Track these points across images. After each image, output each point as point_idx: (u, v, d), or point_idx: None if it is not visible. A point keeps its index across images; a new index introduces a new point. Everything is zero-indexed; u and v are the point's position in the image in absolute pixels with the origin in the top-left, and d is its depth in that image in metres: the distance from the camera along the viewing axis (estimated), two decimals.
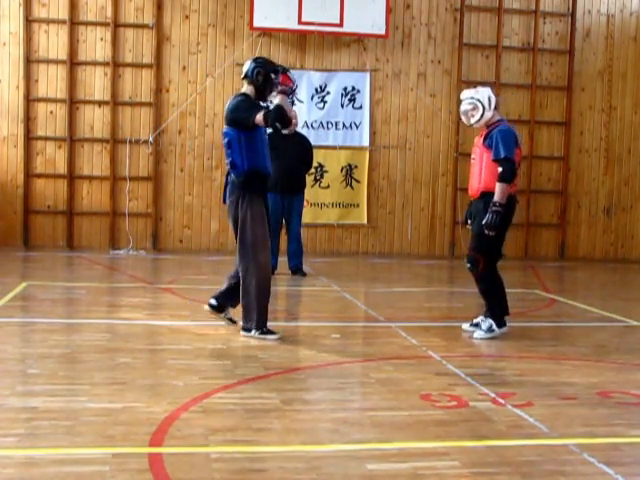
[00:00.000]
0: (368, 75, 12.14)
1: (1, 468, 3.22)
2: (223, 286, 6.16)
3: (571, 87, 12.74)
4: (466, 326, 6.41)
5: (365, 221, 12.26)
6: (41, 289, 7.93)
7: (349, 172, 12.15)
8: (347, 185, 12.20)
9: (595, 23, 12.82)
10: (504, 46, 12.53)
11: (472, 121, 6.23)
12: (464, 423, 4.02)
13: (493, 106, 6.18)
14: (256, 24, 11.67)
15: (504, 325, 6.25)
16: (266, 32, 11.85)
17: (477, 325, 6.34)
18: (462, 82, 12.38)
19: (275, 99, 5.77)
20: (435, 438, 3.78)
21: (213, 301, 6.16)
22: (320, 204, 11.86)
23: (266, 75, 5.82)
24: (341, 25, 11.74)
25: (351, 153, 11.96)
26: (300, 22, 11.66)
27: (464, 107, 6.24)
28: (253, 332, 5.85)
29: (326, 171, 11.94)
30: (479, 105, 6.15)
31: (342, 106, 11.91)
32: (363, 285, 8.88)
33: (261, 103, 5.88)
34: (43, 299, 7.39)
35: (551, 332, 6.81)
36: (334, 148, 11.91)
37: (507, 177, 6.00)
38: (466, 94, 6.30)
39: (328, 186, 12.03)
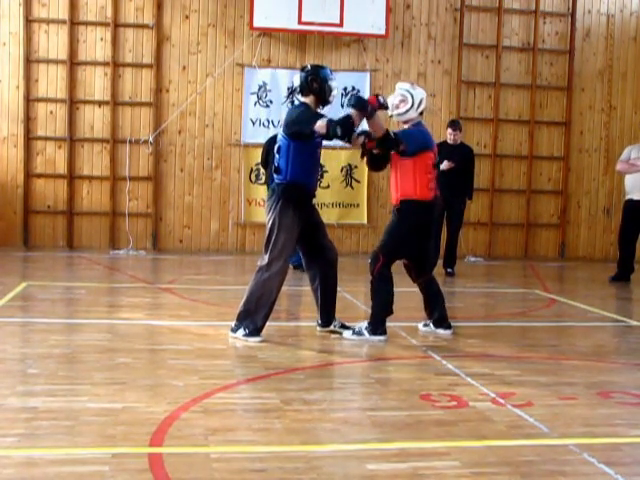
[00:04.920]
0: (368, 75, 12.15)
1: (1, 468, 3.22)
2: (316, 303, 6.15)
3: (571, 87, 12.74)
4: (420, 326, 6.40)
5: (365, 221, 12.26)
6: (41, 289, 7.93)
7: (349, 172, 12.16)
8: (347, 185, 12.21)
9: (595, 23, 12.82)
10: (504, 46, 12.53)
11: (396, 112, 6.07)
12: (464, 423, 4.02)
13: (419, 110, 6.06)
14: (256, 24, 11.67)
15: (383, 333, 5.97)
16: (266, 32, 11.85)
17: (428, 325, 6.33)
18: (462, 82, 12.40)
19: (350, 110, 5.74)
20: (435, 438, 3.79)
21: (321, 324, 6.17)
22: (320, 204, 11.84)
23: (321, 81, 5.83)
24: (341, 25, 11.74)
25: (351, 153, 11.93)
26: (300, 22, 11.66)
27: (395, 96, 6.08)
28: (239, 332, 5.81)
29: (326, 171, 11.94)
30: (409, 100, 6.02)
31: (342, 106, 11.84)
32: (363, 285, 8.85)
33: (320, 111, 5.89)
34: (43, 299, 7.39)
35: (551, 332, 6.81)
36: (334, 148, 11.86)
37: (383, 140, 5.86)
38: (402, 85, 6.19)
39: (328, 186, 12.03)
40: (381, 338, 5.96)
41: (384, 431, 3.87)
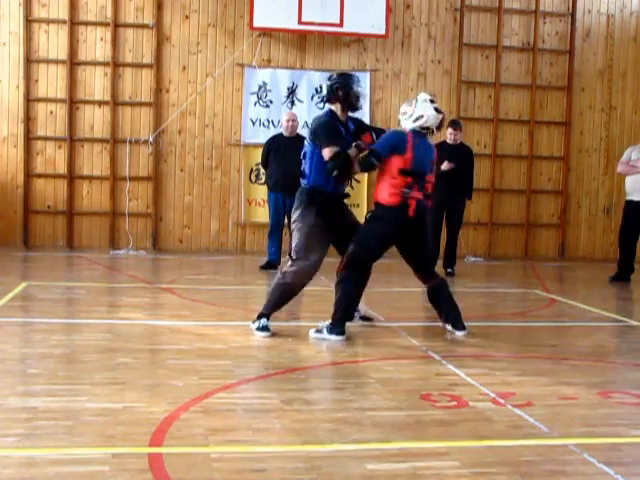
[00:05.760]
0: (368, 75, 12.14)
1: (1, 468, 3.22)
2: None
3: (571, 87, 12.74)
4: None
5: None
6: (41, 289, 7.93)
7: None
8: (347, 185, 12.18)
9: (595, 23, 12.82)
10: (504, 46, 12.53)
11: (399, 116, 6.22)
12: (464, 423, 4.02)
13: (416, 124, 6.03)
14: (256, 24, 11.67)
15: (341, 334, 5.90)
16: (266, 32, 11.85)
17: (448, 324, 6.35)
18: (462, 82, 12.40)
19: (350, 150, 5.93)
20: (435, 438, 3.79)
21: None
22: None
23: (346, 88, 5.99)
24: (341, 25, 11.73)
25: None
26: (300, 22, 11.65)
27: (409, 103, 6.20)
28: (254, 324, 6.06)
29: None
30: (411, 109, 6.08)
31: None
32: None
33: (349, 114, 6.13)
34: (43, 299, 7.39)
35: (551, 332, 6.80)
36: None
37: (362, 164, 5.98)
38: (421, 95, 6.21)
39: None
40: (339, 338, 5.90)
41: (384, 431, 3.87)
